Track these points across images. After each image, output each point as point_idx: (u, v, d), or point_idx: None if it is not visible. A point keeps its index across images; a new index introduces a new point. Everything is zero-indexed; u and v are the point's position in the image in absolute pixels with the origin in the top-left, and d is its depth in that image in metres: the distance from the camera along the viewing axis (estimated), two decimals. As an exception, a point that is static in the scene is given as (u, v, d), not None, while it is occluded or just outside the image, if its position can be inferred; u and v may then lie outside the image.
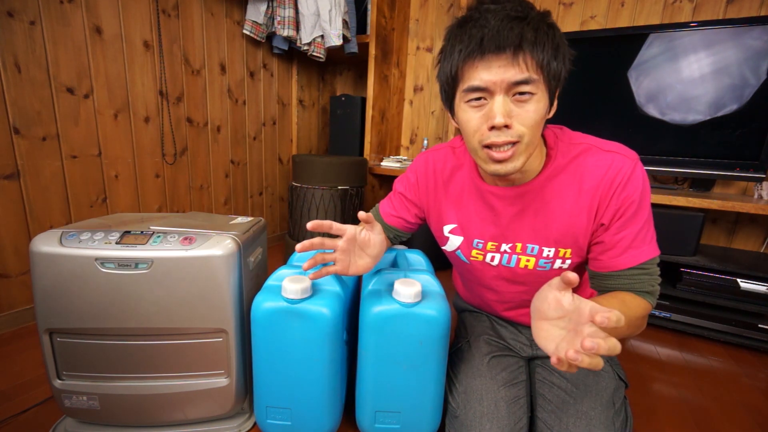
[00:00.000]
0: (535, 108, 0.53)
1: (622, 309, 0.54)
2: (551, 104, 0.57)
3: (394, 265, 0.89)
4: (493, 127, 0.53)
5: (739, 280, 1.26)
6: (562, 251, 0.65)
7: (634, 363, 1.15)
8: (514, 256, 0.69)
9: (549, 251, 0.66)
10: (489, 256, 0.71)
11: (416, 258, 0.89)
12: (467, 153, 0.72)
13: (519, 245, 0.68)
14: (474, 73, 0.53)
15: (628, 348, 1.24)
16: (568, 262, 0.65)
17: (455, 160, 0.73)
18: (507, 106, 0.52)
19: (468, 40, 0.52)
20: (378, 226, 0.69)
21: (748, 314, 1.28)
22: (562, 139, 0.63)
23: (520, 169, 0.57)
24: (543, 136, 0.64)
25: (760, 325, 1.23)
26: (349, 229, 0.64)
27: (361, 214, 0.61)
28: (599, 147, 0.61)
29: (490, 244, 0.70)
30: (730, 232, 1.58)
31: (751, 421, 0.91)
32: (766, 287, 1.22)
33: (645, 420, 0.89)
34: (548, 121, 0.59)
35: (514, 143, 0.54)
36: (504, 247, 0.69)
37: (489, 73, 0.51)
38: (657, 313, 1.36)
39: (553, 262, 0.67)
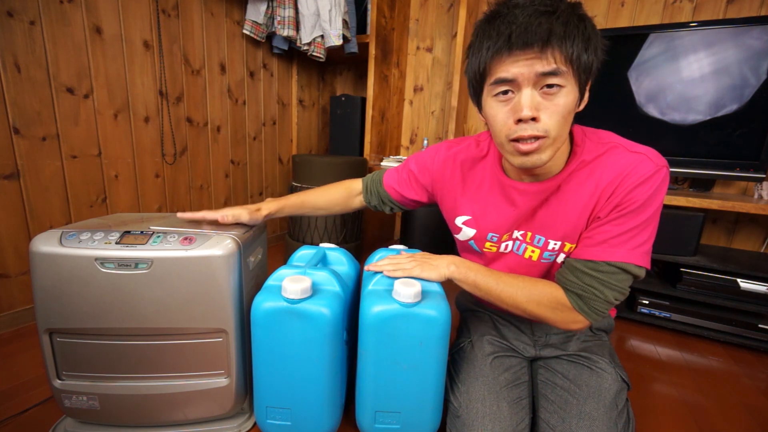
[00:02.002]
0: (564, 101, 0.52)
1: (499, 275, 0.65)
2: (581, 97, 0.56)
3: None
4: (519, 120, 0.53)
5: (739, 280, 1.26)
6: (567, 246, 0.65)
7: (634, 363, 1.15)
8: (523, 245, 0.70)
9: (555, 244, 0.66)
10: (503, 245, 0.72)
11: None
12: (491, 147, 0.72)
13: (529, 234, 0.68)
14: (501, 67, 0.52)
15: (628, 348, 1.24)
16: None
17: (477, 153, 0.73)
18: (534, 99, 0.52)
19: (496, 37, 0.51)
20: (245, 216, 0.75)
21: (748, 314, 1.28)
22: (591, 138, 0.63)
23: (546, 162, 0.56)
24: (571, 132, 0.64)
25: (760, 325, 1.23)
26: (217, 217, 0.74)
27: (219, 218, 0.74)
28: (626, 147, 0.59)
29: (505, 235, 0.71)
30: (730, 232, 1.58)
31: (751, 421, 0.91)
32: (766, 287, 1.22)
33: (645, 420, 0.89)
34: (578, 116, 0.58)
35: (538, 138, 0.53)
36: (516, 234, 0.70)
37: (516, 66, 0.51)
38: (657, 313, 1.36)
39: (557, 255, 0.67)
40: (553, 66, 0.50)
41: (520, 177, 0.67)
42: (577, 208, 0.62)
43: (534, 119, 0.52)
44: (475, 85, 0.59)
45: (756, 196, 1.44)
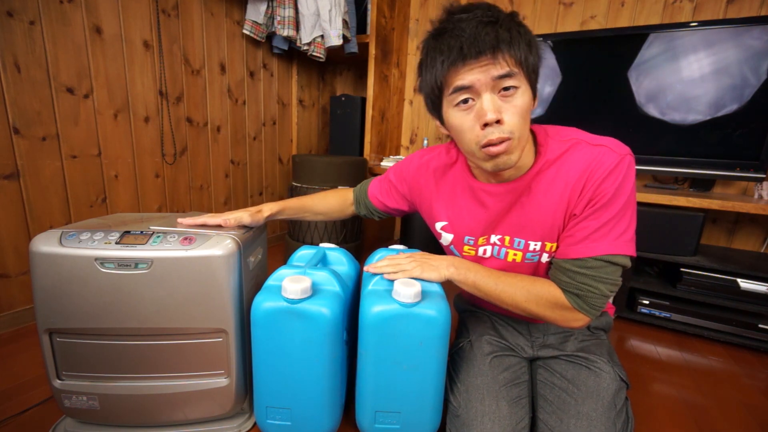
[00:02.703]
0: (521, 101, 0.56)
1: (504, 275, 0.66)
2: (534, 97, 0.59)
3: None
4: (486, 125, 0.55)
5: (739, 280, 1.26)
6: (548, 245, 0.67)
7: (634, 363, 1.15)
8: (503, 249, 0.71)
9: (535, 245, 0.67)
10: (481, 249, 0.74)
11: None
12: (460, 153, 0.74)
13: (507, 238, 0.70)
14: (458, 77, 0.55)
15: (628, 348, 1.24)
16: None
17: (448, 160, 0.75)
18: (495, 102, 0.55)
19: (448, 51, 0.54)
20: (247, 219, 0.76)
21: (748, 314, 1.28)
22: (553, 136, 0.64)
23: (515, 162, 0.59)
24: (533, 132, 0.66)
25: (760, 325, 1.23)
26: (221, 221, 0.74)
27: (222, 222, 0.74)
28: (588, 142, 0.61)
29: (481, 239, 0.72)
30: (730, 232, 1.58)
31: (751, 421, 0.91)
32: (766, 287, 1.22)
33: (645, 420, 0.89)
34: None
35: (505, 140, 0.56)
36: (494, 238, 0.71)
37: (472, 73, 0.54)
38: (657, 313, 1.36)
39: (540, 255, 0.68)
40: (506, 68, 0.53)
41: (489, 179, 0.69)
42: (551, 206, 0.63)
43: (498, 122, 0.55)
44: (434, 99, 0.61)
45: (756, 196, 1.44)
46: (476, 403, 0.66)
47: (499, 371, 0.71)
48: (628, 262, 0.61)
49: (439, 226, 0.78)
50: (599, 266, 0.60)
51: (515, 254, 0.70)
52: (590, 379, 0.67)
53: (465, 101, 0.56)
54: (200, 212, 1.05)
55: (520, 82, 0.55)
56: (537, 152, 0.65)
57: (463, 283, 0.68)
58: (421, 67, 0.61)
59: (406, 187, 0.83)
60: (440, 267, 0.69)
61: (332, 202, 0.92)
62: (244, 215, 0.76)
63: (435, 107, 0.62)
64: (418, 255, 0.74)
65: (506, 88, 0.54)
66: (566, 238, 0.63)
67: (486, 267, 0.70)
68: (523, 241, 0.68)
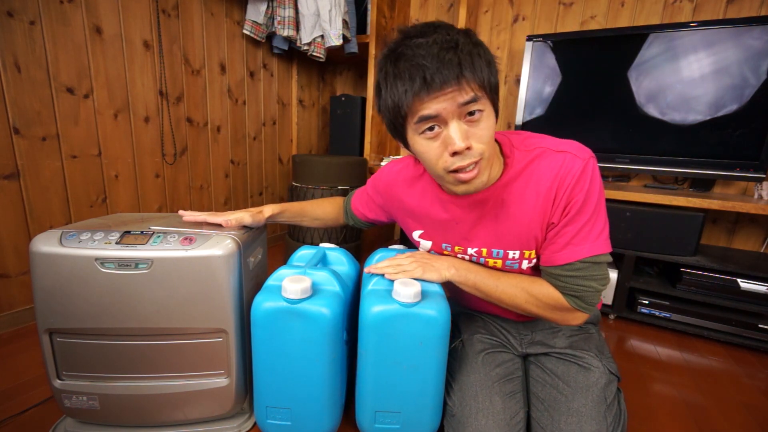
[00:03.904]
0: (487, 124, 0.55)
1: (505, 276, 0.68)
2: (497, 116, 0.59)
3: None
4: (455, 153, 0.55)
5: (739, 280, 1.26)
6: (527, 253, 0.68)
7: (634, 363, 1.15)
8: (482, 259, 0.71)
9: (514, 254, 0.68)
10: (459, 257, 0.74)
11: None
12: None
13: (484, 250, 0.70)
14: (423, 106, 0.54)
15: (628, 348, 1.24)
16: (534, 260, 0.68)
17: (415, 171, 0.76)
18: (462, 128, 0.54)
19: (410, 80, 0.53)
20: (248, 219, 0.76)
21: (748, 314, 1.28)
22: (518, 146, 0.65)
23: (486, 182, 0.61)
24: (498, 143, 0.66)
25: (760, 325, 1.23)
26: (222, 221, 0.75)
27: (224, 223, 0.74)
28: (552, 149, 0.62)
29: (457, 248, 0.73)
30: (730, 232, 1.58)
31: (751, 421, 0.91)
32: (766, 287, 1.22)
33: (645, 420, 0.89)
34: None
35: (476, 162, 0.56)
36: (470, 251, 0.72)
37: (437, 102, 0.53)
38: (657, 313, 1.36)
39: (520, 263, 0.69)
40: (471, 94, 0.52)
41: (454, 191, 0.68)
42: (525, 217, 0.64)
43: (468, 148, 0.54)
44: (397, 124, 0.59)
45: (756, 196, 1.44)
46: (470, 400, 0.67)
47: (492, 367, 0.72)
48: (609, 258, 0.63)
49: (416, 234, 0.79)
50: (586, 267, 0.62)
51: (495, 262, 0.70)
52: (580, 374, 0.68)
53: (431, 128, 0.55)
54: (199, 212, 1.05)
55: (484, 105, 0.55)
56: (504, 163, 0.65)
57: (463, 284, 0.69)
58: (379, 89, 0.59)
59: (382, 199, 0.84)
60: (441, 268, 0.70)
61: (329, 210, 0.94)
62: (245, 216, 0.76)
63: (398, 133, 0.61)
64: (419, 255, 0.75)
65: (471, 113, 0.54)
66: (549, 246, 0.64)
67: (486, 268, 0.71)
68: (501, 251, 0.69)
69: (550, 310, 0.66)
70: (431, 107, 0.53)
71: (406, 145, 0.63)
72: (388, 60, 0.56)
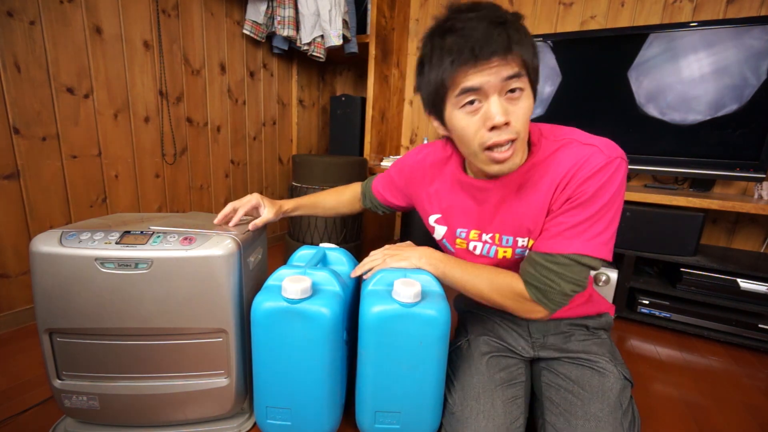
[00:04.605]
0: (526, 104, 0.56)
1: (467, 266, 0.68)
2: (535, 100, 0.59)
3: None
4: (493, 128, 0.55)
5: (739, 280, 1.26)
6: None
7: (635, 363, 1.15)
8: (494, 247, 0.71)
9: (523, 241, 0.68)
10: (471, 245, 0.75)
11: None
12: (454, 149, 0.74)
13: (497, 236, 0.70)
14: (467, 78, 0.54)
15: (628, 348, 1.24)
16: None
17: (444, 154, 0.77)
18: (503, 104, 0.54)
19: (458, 51, 0.53)
20: (271, 209, 0.81)
21: (748, 314, 1.27)
22: (547, 135, 0.64)
23: (519, 164, 0.60)
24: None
25: (760, 325, 1.23)
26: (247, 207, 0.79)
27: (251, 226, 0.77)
28: (580, 141, 0.61)
29: (473, 233, 0.73)
30: (730, 232, 1.58)
31: (751, 421, 0.91)
32: (766, 287, 1.22)
33: (645, 420, 0.89)
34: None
35: (513, 140, 0.56)
36: (485, 237, 0.72)
37: (482, 74, 0.53)
38: (657, 313, 1.36)
39: (530, 250, 0.69)
40: (515, 69, 0.53)
41: (478, 175, 0.70)
42: (537, 204, 0.64)
43: (507, 124, 0.55)
44: (436, 100, 0.59)
45: (756, 196, 1.44)
46: (471, 401, 0.67)
47: (496, 371, 0.71)
48: (598, 265, 0.61)
49: (433, 219, 0.79)
50: (567, 264, 0.60)
51: (505, 251, 0.71)
52: (595, 379, 0.67)
53: (471, 102, 0.56)
54: (200, 212, 1.05)
55: (525, 84, 0.55)
56: (530, 151, 0.65)
57: (434, 274, 0.70)
58: (423, 65, 0.59)
59: (404, 181, 0.84)
60: (411, 257, 0.71)
61: (343, 197, 0.95)
62: (269, 215, 0.80)
63: (436, 108, 0.61)
64: (390, 247, 0.77)
65: (512, 90, 0.54)
66: (543, 232, 0.64)
67: (456, 258, 0.72)
68: (511, 239, 0.69)
69: (510, 300, 0.66)
70: (475, 79, 0.53)
71: (443, 122, 0.62)
72: (436, 34, 0.56)
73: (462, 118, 0.58)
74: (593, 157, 0.58)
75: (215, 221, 0.78)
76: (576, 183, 0.58)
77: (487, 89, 0.54)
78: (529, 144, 0.65)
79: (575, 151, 0.60)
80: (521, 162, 0.63)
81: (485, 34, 0.51)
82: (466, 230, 0.74)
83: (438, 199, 0.78)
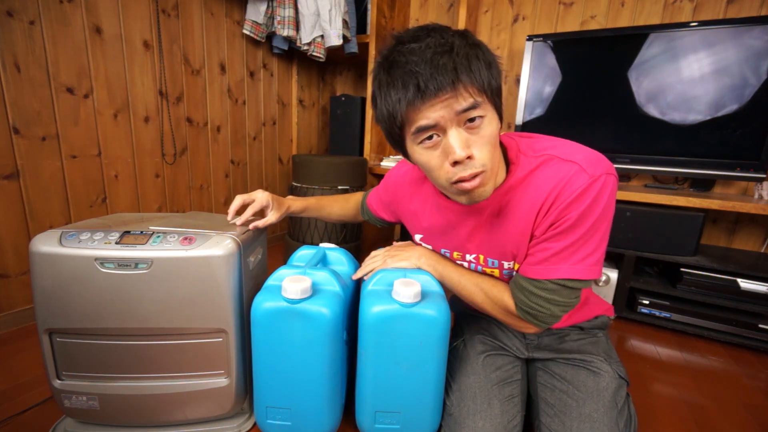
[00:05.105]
0: (489, 131, 0.52)
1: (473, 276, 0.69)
2: (500, 120, 0.56)
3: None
4: (456, 162, 0.52)
5: (739, 280, 1.26)
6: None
7: (634, 363, 1.15)
8: (479, 267, 0.71)
9: (509, 264, 0.67)
10: (458, 262, 0.75)
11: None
12: None
13: (481, 257, 0.69)
14: (419, 115, 0.51)
15: (628, 348, 1.24)
16: None
17: (421, 172, 0.74)
18: (462, 136, 0.51)
19: (403, 88, 0.50)
20: (276, 213, 0.81)
21: (748, 314, 1.27)
22: (525, 151, 0.61)
23: (491, 192, 0.57)
24: (503, 146, 0.63)
25: (760, 325, 1.23)
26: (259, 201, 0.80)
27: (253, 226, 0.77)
28: (560, 157, 0.57)
29: (455, 253, 0.73)
30: (731, 232, 1.58)
31: (751, 421, 0.91)
32: (766, 287, 1.22)
33: (645, 420, 0.89)
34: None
35: (478, 174, 0.53)
36: (469, 257, 0.71)
37: (434, 110, 0.50)
38: (657, 313, 1.36)
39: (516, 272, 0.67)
40: (470, 101, 0.49)
41: (460, 202, 0.66)
42: (518, 230, 0.61)
43: (469, 157, 0.51)
44: (394, 135, 0.56)
45: (756, 196, 1.44)
46: (468, 401, 0.67)
47: (491, 370, 0.72)
48: (587, 285, 0.60)
49: (417, 238, 0.79)
50: (555, 289, 0.58)
51: (492, 271, 0.70)
52: (589, 379, 0.67)
53: (430, 137, 0.52)
54: (200, 212, 1.05)
55: (485, 110, 0.51)
56: (508, 170, 0.62)
57: (431, 274, 0.71)
58: (375, 100, 0.56)
59: (389, 198, 0.84)
60: (411, 257, 0.72)
61: (348, 207, 0.97)
62: (272, 219, 0.81)
63: (397, 143, 0.58)
64: (391, 248, 0.78)
65: (471, 119, 0.50)
66: (528, 257, 0.62)
67: (455, 264, 0.72)
68: (496, 261, 0.67)
69: (502, 314, 0.67)
70: (428, 116, 0.50)
71: (407, 157, 0.60)
72: (382, 68, 0.53)
73: (423, 153, 0.55)
74: (575, 177, 0.54)
75: (229, 218, 0.78)
76: (558, 208, 0.55)
77: (443, 124, 0.50)
78: (507, 161, 0.62)
79: (555, 170, 0.56)
80: (496, 186, 0.60)
81: (430, 66, 0.48)
82: (448, 251, 0.74)
83: (418, 219, 0.76)
